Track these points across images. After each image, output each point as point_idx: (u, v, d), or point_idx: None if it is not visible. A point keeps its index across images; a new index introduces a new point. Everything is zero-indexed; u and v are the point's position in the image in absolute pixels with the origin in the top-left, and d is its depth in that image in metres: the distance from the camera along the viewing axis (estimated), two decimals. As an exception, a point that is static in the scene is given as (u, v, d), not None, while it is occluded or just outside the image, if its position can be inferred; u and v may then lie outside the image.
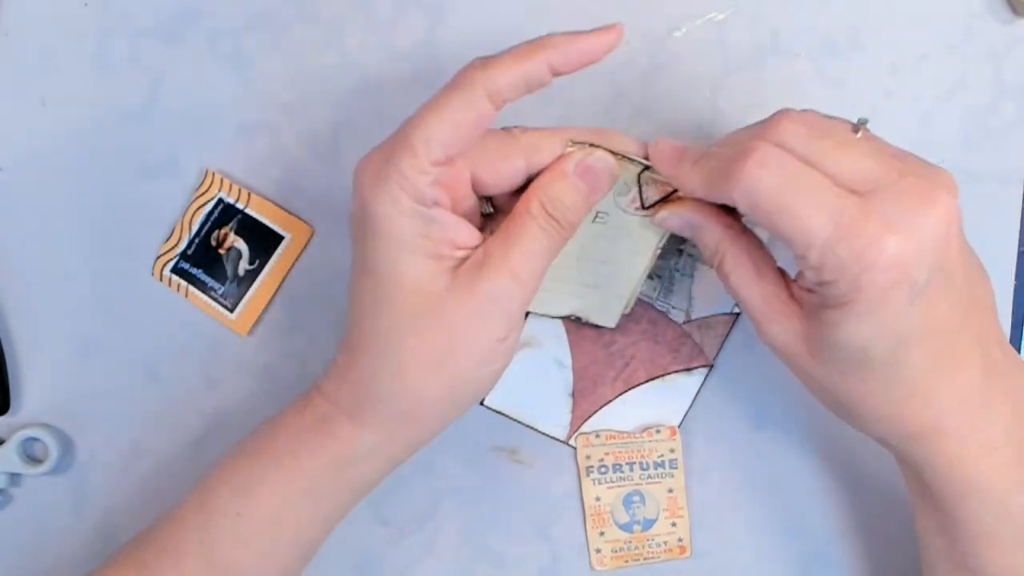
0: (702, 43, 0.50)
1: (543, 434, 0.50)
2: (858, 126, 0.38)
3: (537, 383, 0.51)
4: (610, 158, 0.41)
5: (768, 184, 0.35)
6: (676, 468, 0.50)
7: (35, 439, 0.49)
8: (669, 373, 0.50)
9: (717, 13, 0.50)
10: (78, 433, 0.50)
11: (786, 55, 0.50)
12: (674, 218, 0.41)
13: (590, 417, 0.50)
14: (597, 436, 0.50)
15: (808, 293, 0.38)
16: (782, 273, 0.41)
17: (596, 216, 0.43)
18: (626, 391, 0.50)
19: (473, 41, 0.50)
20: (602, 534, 0.50)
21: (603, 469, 0.50)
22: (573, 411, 0.50)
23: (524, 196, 0.40)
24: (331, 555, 0.51)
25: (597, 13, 0.50)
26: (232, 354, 0.50)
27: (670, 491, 0.50)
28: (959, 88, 0.51)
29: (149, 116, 0.49)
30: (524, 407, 0.50)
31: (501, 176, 0.41)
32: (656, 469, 0.50)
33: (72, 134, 0.49)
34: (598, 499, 0.50)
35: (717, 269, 0.41)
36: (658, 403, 0.50)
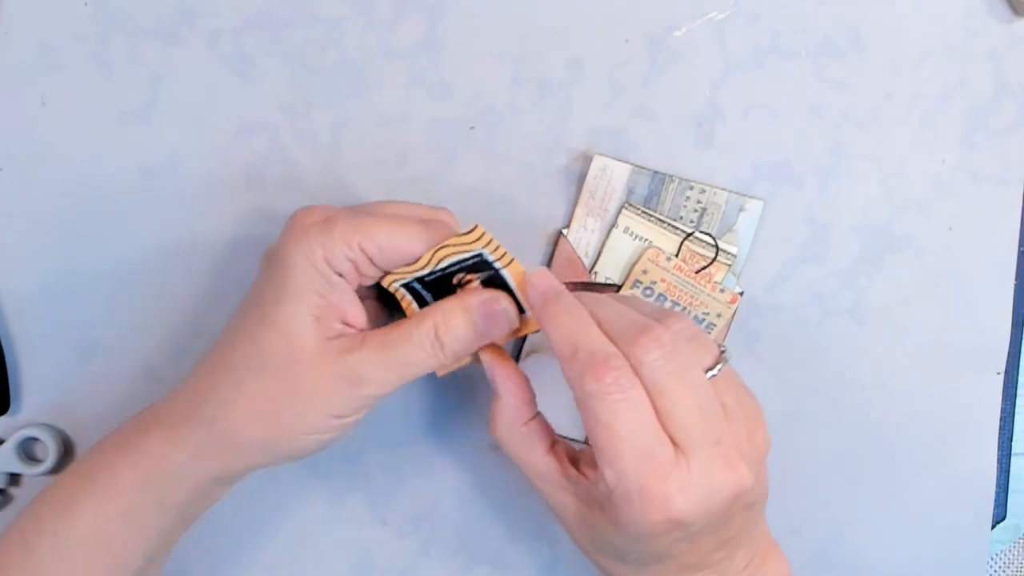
0: (702, 43, 0.50)
1: (561, 437, 0.50)
2: (718, 359, 0.39)
3: (548, 387, 0.50)
4: (513, 311, 0.42)
5: (607, 403, 0.37)
6: (709, 333, 0.49)
7: (35, 439, 0.49)
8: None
9: (717, 13, 0.50)
10: (78, 433, 0.50)
11: (786, 55, 0.50)
12: (488, 368, 0.42)
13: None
14: (668, 259, 0.49)
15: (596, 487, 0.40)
16: (564, 448, 0.43)
17: None
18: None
19: (472, 41, 0.50)
20: None
21: (648, 292, 0.49)
22: None
23: (423, 311, 0.41)
24: (331, 555, 0.51)
25: (595, 13, 0.50)
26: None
27: None
28: (959, 88, 0.51)
29: (149, 116, 0.49)
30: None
31: (399, 254, 0.41)
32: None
33: (72, 134, 0.49)
34: None
35: (501, 440, 0.43)
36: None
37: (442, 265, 0.41)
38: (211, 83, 0.49)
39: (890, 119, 0.51)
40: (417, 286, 0.42)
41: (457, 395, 0.51)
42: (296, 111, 0.50)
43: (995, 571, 0.53)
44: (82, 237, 0.50)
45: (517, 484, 0.51)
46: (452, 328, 0.41)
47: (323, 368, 0.40)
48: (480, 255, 0.41)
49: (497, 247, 0.41)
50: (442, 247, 0.41)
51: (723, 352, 0.40)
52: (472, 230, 0.41)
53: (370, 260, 0.41)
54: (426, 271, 0.41)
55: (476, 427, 0.51)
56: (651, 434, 0.37)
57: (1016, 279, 0.51)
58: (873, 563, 0.51)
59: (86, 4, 0.49)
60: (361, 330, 0.41)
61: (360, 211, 0.41)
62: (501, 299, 0.41)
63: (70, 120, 0.49)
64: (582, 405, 0.38)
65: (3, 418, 0.50)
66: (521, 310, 0.42)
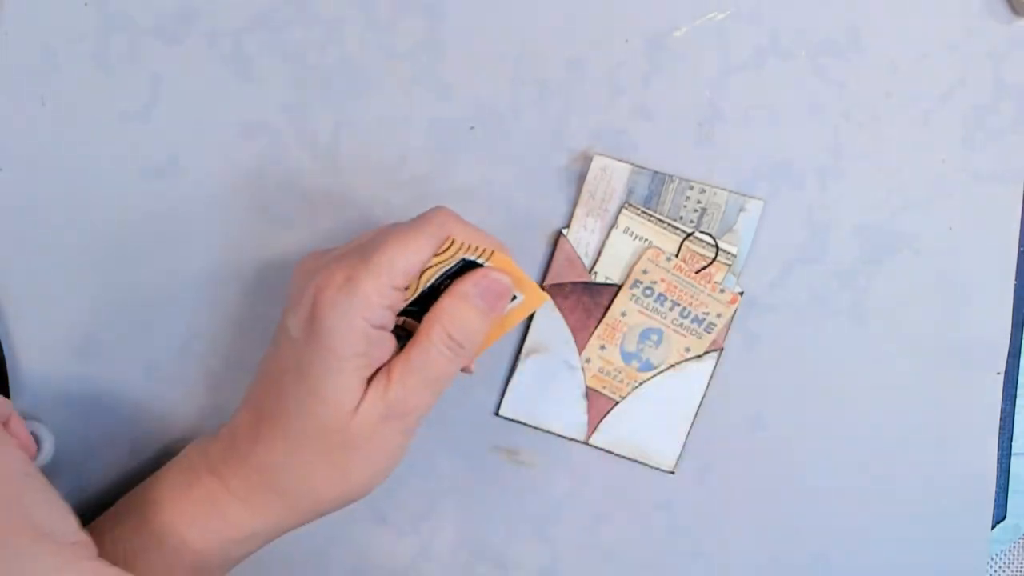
0: (702, 43, 0.50)
1: (563, 437, 0.50)
2: None
3: (549, 387, 0.50)
4: (504, 278, 0.42)
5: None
6: (709, 333, 0.50)
7: (31, 433, 0.49)
8: (680, 362, 0.50)
9: (717, 13, 0.50)
10: (77, 432, 0.50)
11: (786, 55, 0.50)
12: None
13: (607, 415, 0.50)
14: (668, 259, 0.49)
15: None
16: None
17: None
18: (639, 385, 0.50)
19: (473, 41, 0.50)
20: (602, 348, 0.50)
21: (648, 291, 0.49)
22: (588, 411, 0.50)
23: (425, 321, 0.41)
24: (330, 555, 0.51)
25: (596, 14, 0.50)
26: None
27: (687, 349, 0.50)
28: (959, 88, 0.51)
29: (149, 116, 0.49)
30: (539, 412, 0.50)
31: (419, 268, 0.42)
32: (692, 323, 0.50)
33: (72, 134, 0.49)
34: (623, 314, 0.49)
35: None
36: (672, 392, 0.50)
37: (430, 283, 0.42)
38: (211, 83, 0.49)
39: (890, 119, 0.51)
40: (413, 309, 0.42)
41: (457, 395, 0.51)
42: (296, 111, 0.50)
43: (995, 571, 0.53)
44: (82, 237, 0.49)
45: (517, 484, 0.51)
46: (460, 322, 0.41)
47: (374, 418, 0.41)
48: (463, 260, 0.42)
49: (475, 248, 0.41)
50: (426, 269, 0.41)
51: None
52: (449, 246, 0.41)
53: (403, 293, 0.41)
54: (417, 295, 0.42)
55: (476, 427, 0.51)
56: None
57: (1016, 279, 0.51)
58: (873, 563, 0.51)
59: (86, 4, 0.49)
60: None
61: (366, 251, 0.41)
62: (489, 272, 0.42)
63: (70, 120, 0.49)
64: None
65: (3, 418, 0.50)
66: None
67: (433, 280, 0.42)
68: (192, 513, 0.43)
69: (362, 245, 0.42)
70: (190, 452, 0.45)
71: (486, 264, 0.42)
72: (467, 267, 0.42)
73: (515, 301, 0.44)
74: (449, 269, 0.42)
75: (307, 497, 0.43)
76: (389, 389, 0.41)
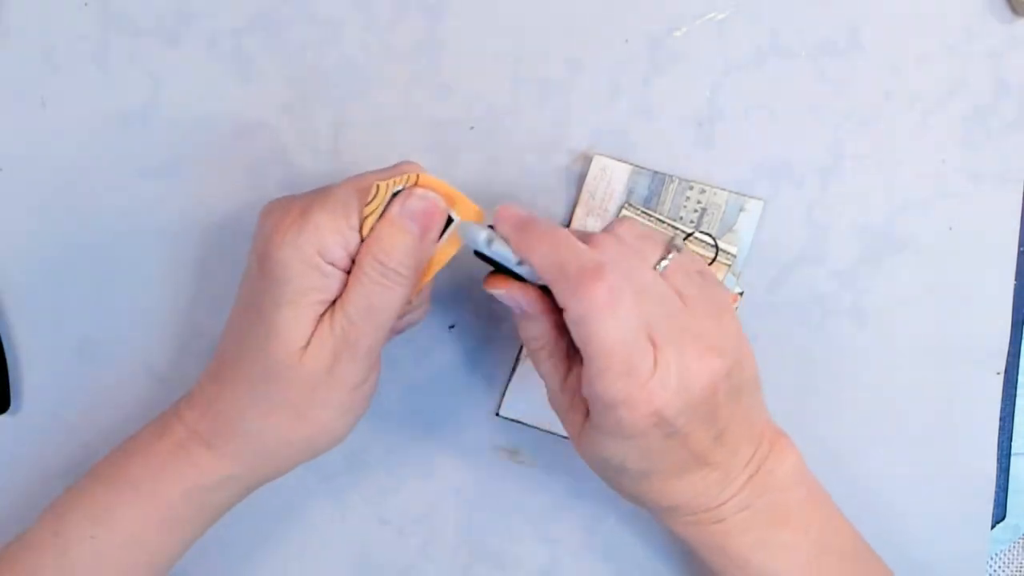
0: (702, 43, 0.50)
1: (563, 437, 0.50)
2: (667, 250, 0.40)
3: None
4: (431, 194, 0.41)
5: (603, 317, 0.37)
6: None
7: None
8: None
9: (717, 13, 0.50)
10: (78, 432, 0.50)
11: (786, 55, 0.50)
12: (510, 300, 0.41)
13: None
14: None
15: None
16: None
17: None
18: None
19: (472, 41, 0.50)
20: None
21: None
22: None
23: (360, 250, 0.40)
24: (331, 555, 0.51)
25: (595, 13, 0.50)
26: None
27: None
28: (959, 88, 0.51)
29: (149, 116, 0.49)
30: (539, 412, 0.50)
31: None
32: None
33: (72, 134, 0.49)
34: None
35: (531, 352, 0.43)
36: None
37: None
38: (211, 83, 0.49)
39: (890, 119, 0.51)
40: None
41: (457, 395, 0.51)
42: (296, 111, 0.50)
43: (995, 571, 0.53)
44: (82, 237, 0.50)
45: (517, 484, 0.51)
46: (389, 246, 0.40)
47: (326, 355, 0.40)
48: (392, 195, 0.41)
49: (398, 180, 0.41)
50: (364, 218, 0.40)
51: (672, 241, 0.41)
52: (376, 193, 0.40)
53: (359, 234, 0.40)
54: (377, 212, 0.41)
55: (476, 427, 0.51)
56: (638, 344, 0.38)
57: (1016, 279, 0.51)
58: (873, 563, 0.51)
59: (86, 4, 0.49)
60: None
61: (326, 192, 0.41)
62: (413, 191, 0.41)
63: (70, 120, 0.49)
64: (574, 324, 0.38)
65: (3, 417, 0.50)
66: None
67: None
68: (162, 461, 0.42)
69: (323, 187, 0.42)
70: (165, 414, 0.45)
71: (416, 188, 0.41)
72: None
73: (454, 223, 0.42)
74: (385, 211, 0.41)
75: (271, 440, 0.42)
76: (333, 322, 0.40)
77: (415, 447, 0.51)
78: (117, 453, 0.44)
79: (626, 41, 0.50)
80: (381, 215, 0.41)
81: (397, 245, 0.40)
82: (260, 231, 0.41)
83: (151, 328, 0.50)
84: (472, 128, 0.50)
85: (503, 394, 0.50)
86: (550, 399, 0.43)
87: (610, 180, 0.50)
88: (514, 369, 0.50)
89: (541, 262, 0.39)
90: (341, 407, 0.42)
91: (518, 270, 0.40)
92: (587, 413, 0.41)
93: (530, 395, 0.50)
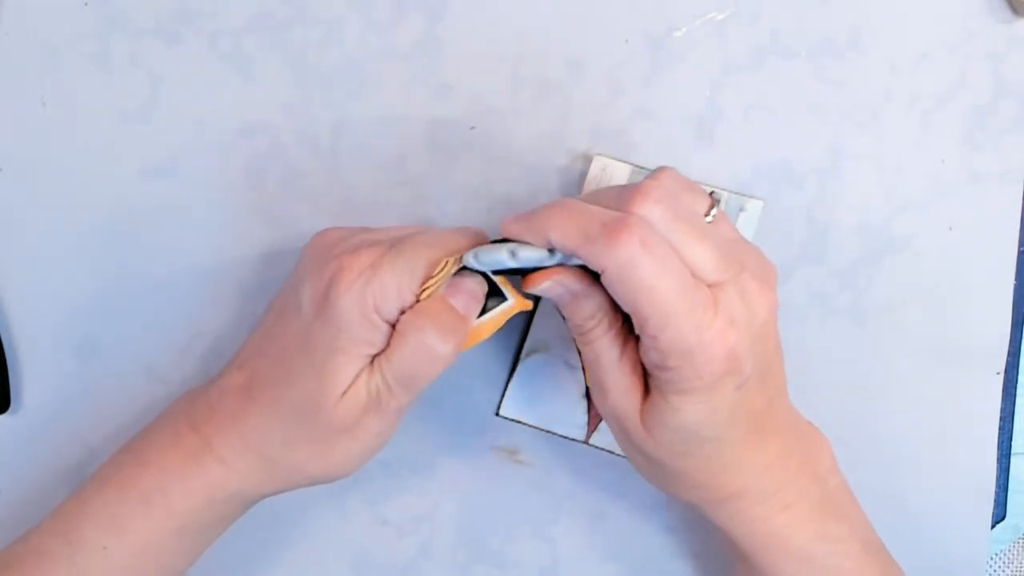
0: (702, 43, 0.50)
1: (563, 437, 0.50)
2: (712, 203, 0.40)
3: (549, 387, 0.50)
4: (476, 276, 0.41)
5: (644, 263, 0.36)
6: None
7: None
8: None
9: (717, 13, 0.50)
10: (78, 432, 0.50)
11: (786, 55, 0.50)
12: (556, 287, 0.40)
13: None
14: None
15: (649, 374, 0.40)
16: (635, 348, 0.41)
17: None
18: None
19: (473, 41, 0.50)
20: None
21: None
22: (589, 411, 0.50)
23: (403, 319, 0.40)
24: (330, 555, 0.51)
25: (595, 13, 0.50)
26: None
27: None
28: (959, 88, 0.51)
29: (149, 116, 0.49)
30: (539, 413, 0.50)
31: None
32: None
33: (72, 134, 0.49)
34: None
35: (585, 334, 0.41)
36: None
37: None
38: (211, 83, 0.49)
39: (890, 119, 0.51)
40: None
41: (457, 395, 0.51)
42: (296, 111, 0.50)
43: (995, 571, 0.53)
44: (82, 237, 0.50)
45: (517, 484, 0.51)
46: (437, 328, 0.40)
47: (358, 408, 0.41)
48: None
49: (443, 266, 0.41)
50: (425, 288, 0.40)
51: (713, 195, 0.41)
52: (443, 267, 0.40)
53: (415, 296, 0.40)
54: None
55: (476, 427, 0.51)
56: (689, 284, 0.36)
57: (1016, 279, 0.51)
58: (873, 563, 0.51)
59: (86, 4, 0.49)
60: None
61: (397, 244, 0.40)
62: (464, 273, 0.41)
63: (70, 120, 0.49)
64: (617, 282, 0.36)
65: (3, 417, 0.50)
66: (499, 292, 0.42)
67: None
68: (174, 473, 0.42)
69: (395, 238, 0.41)
70: (175, 408, 0.45)
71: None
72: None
73: (505, 303, 0.43)
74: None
75: (289, 468, 0.43)
76: (370, 381, 0.40)
77: (415, 447, 0.51)
78: (126, 458, 0.44)
79: (626, 41, 0.50)
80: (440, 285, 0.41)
81: (444, 322, 0.40)
82: (318, 266, 0.41)
83: (151, 328, 0.50)
84: (472, 128, 0.50)
85: (503, 394, 0.50)
86: (599, 391, 0.41)
87: (610, 180, 0.50)
88: (514, 369, 0.50)
89: (562, 236, 0.37)
90: (359, 452, 0.42)
91: (551, 262, 0.39)
92: (646, 390, 0.40)
93: (530, 395, 0.50)
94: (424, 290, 0.40)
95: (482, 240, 0.42)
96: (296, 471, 0.43)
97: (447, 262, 0.40)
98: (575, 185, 0.50)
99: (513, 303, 0.42)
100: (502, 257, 0.39)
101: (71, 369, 0.50)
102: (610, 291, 0.37)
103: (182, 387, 0.50)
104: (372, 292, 0.39)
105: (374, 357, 0.41)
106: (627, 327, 0.41)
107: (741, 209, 0.50)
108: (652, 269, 0.36)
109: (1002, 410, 0.52)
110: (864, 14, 0.50)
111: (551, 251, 0.39)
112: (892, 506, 0.51)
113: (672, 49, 0.50)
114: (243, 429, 0.42)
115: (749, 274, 0.38)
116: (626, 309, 0.37)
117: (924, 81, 0.51)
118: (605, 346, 0.40)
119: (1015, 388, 0.52)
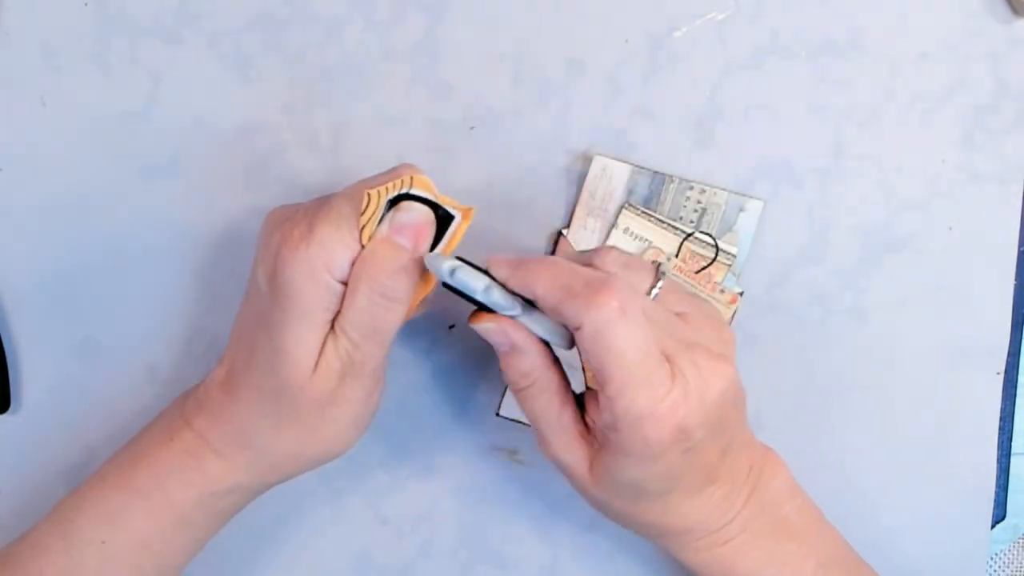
0: (702, 43, 0.50)
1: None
2: (656, 277, 0.41)
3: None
4: (417, 205, 0.41)
5: (618, 327, 0.37)
6: None
7: None
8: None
9: (717, 13, 0.50)
10: (78, 432, 0.50)
11: (786, 55, 0.50)
12: (500, 335, 0.40)
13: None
14: (668, 260, 0.49)
15: (599, 431, 0.40)
16: (576, 405, 0.42)
17: None
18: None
19: (472, 41, 0.50)
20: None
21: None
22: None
23: (352, 276, 0.40)
24: (331, 555, 0.51)
25: (595, 13, 0.50)
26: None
27: None
28: (959, 88, 0.51)
29: (149, 116, 0.49)
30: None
31: None
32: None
33: (72, 134, 0.49)
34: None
35: (520, 392, 0.41)
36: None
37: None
38: (211, 83, 0.49)
39: (890, 119, 0.51)
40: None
41: (457, 395, 0.51)
42: (296, 111, 0.50)
43: (995, 571, 0.53)
44: (82, 237, 0.50)
45: (517, 484, 0.51)
46: (381, 266, 0.39)
47: (333, 376, 0.41)
48: (389, 201, 0.40)
49: (393, 185, 0.40)
50: (362, 228, 0.40)
51: (659, 268, 0.41)
52: (368, 200, 0.40)
53: (360, 244, 0.40)
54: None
55: (476, 427, 0.51)
56: (654, 357, 0.38)
57: (1016, 279, 0.51)
58: (872, 562, 0.51)
59: (86, 4, 0.49)
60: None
61: (327, 204, 0.40)
62: (402, 205, 0.41)
63: (70, 120, 0.49)
64: (590, 340, 0.37)
65: (3, 417, 0.50)
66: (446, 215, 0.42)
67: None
68: (171, 467, 0.43)
69: (325, 196, 0.41)
70: (171, 408, 0.45)
71: (412, 191, 0.41)
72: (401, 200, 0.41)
73: (454, 222, 0.42)
74: (384, 216, 0.41)
75: (284, 455, 0.43)
76: (338, 346, 0.40)
77: (415, 447, 0.51)
78: (124, 456, 0.44)
79: (626, 41, 0.50)
80: (380, 221, 0.40)
81: (390, 263, 0.40)
82: (267, 244, 0.41)
83: (152, 328, 0.50)
84: (472, 128, 0.50)
85: (503, 394, 0.50)
86: (542, 443, 0.42)
87: (610, 180, 0.50)
88: (514, 369, 0.50)
89: (546, 288, 0.39)
90: (349, 422, 0.42)
91: (483, 299, 0.40)
92: (594, 446, 0.41)
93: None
94: (362, 231, 0.40)
95: (396, 176, 0.41)
96: (292, 457, 0.43)
97: (369, 195, 0.40)
98: (575, 185, 0.50)
99: (461, 217, 0.42)
100: (477, 286, 0.40)
101: (71, 369, 0.50)
102: (581, 347, 0.38)
103: (182, 387, 0.50)
104: (316, 253, 0.39)
105: (334, 322, 0.40)
106: (565, 389, 0.42)
107: (741, 209, 0.50)
108: (624, 334, 0.37)
109: (1002, 410, 0.52)
110: (864, 14, 0.50)
111: (523, 307, 0.40)
112: (892, 506, 0.51)
113: (672, 49, 0.50)
114: (231, 423, 0.42)
115: (701, 350, 0.39)
116: (592, 367, 0.38)
117: (924, 81, 0.51)
118: (541, 406, 0.41)
119: (1015, 388, 0.52)
